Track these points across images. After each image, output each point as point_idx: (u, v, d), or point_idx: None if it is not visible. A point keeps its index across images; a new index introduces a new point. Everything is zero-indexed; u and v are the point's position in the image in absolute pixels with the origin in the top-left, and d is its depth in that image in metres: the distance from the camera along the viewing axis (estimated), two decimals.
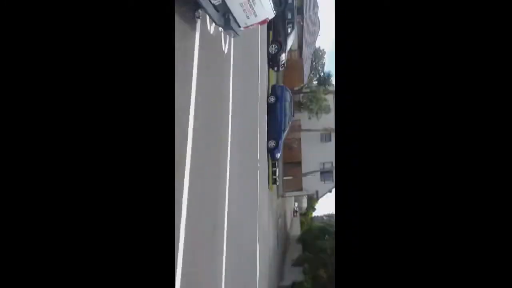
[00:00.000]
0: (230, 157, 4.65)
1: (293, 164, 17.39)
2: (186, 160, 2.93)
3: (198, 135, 3.16)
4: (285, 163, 16.74)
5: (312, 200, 23.77)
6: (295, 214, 26.73)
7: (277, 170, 12.57)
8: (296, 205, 28.20)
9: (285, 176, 16.50)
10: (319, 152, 16.90)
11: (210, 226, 3.65)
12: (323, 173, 17.67)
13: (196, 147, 3.10)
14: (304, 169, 17.61)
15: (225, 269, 4.13)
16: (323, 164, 17.39)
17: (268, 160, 11.25)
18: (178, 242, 2.62)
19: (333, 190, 14.67)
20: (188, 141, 3.00)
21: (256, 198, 7.64)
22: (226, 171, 4.46)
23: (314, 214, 28.43)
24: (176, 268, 2.52)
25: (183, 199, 2.78)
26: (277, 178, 12.86)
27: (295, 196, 23.33)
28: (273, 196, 13.12)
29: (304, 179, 17.73)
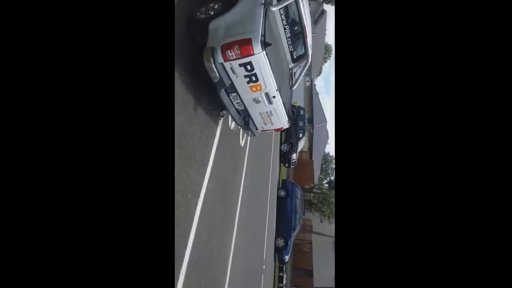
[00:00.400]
0: (233, 253, 4.21)
1: (303, 272, 15.17)
2: (187, 250, 2.68)
3: (202, 223, 3.02)
4: (294, 268, 14.70)
5: None
6: None
7: (285, 276, 10.93)
8: None
9: (293, 286, 14.12)
10: (333, 263, 14.59)
11: None
12: None
13: (199, 236, 2.89)
14: (316, 281, 15.06)
15: None
16: None
17: (274, 262, 9.94)
18: None
19: None
20: (192, 229, 2.83)
21: None
22: (227, 273, 3.92)
23: None
24: None
25: None
26: None
27: None
28: None
29: None
